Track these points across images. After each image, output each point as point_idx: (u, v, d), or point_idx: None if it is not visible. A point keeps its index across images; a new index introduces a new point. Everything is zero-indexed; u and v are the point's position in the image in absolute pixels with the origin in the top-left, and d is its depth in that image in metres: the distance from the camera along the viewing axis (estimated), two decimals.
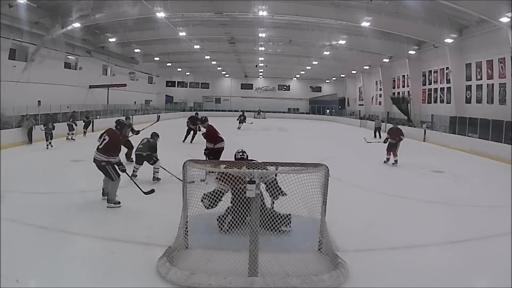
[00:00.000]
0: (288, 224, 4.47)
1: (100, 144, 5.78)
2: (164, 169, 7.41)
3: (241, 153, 5.41)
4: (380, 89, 31.12)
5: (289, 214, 4.39)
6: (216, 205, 4.37)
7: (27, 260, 3.76)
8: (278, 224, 4.22)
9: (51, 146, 12.28)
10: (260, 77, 45.04)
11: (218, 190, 4.37)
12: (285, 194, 4.13)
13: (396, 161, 10.56)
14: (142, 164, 7.61)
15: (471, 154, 13.99)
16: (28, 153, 11.27)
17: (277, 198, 4.39)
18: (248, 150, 5.80)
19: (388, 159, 10.75)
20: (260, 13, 17.64)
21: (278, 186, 4.14)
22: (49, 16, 18.02)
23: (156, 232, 4.62)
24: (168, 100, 41.87)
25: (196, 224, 4.11)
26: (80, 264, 3.76)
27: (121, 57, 28.75)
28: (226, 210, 4.49)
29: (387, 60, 27.52)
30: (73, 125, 15.06)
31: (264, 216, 3.87)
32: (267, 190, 4.20)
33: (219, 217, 4.56)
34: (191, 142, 14.39)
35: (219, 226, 4.54)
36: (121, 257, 3.97)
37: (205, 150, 8.14)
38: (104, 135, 5.91)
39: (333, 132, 24.94)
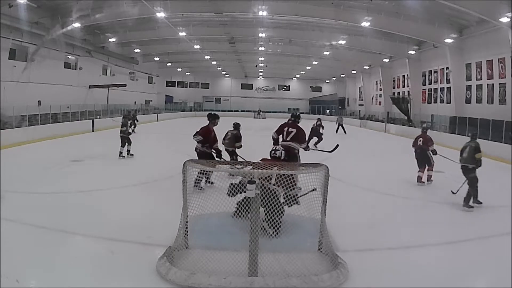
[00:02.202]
0: (276, 230, 4.33)
1: (287, 136, 6.89)
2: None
3: (273, 152, 5.27)
4: (380, 89, 31.13)
5: (280, 223, 4.35)
6: (235, 195, 4.39)
7: (27, 260, 3.76)
8: (269, 224, 4.23)
9: (131, 154, 10.97)
10: (260, 77, 45.04)
11: (242, 182, 4.37)
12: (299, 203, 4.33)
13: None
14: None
15: None
16: (29, 153, 11.27)
17: (291, 206, 4.41)
18: (248, 149, 5.82)
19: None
20: (260, 13, 17.63)
21: (297, 198, 4.28)
22: (49, 16, 18.01)
23: (156, 232, 4.62)
24: (168, 100, 41.87)
25: (196, 224, 4.11)
26: (80, 264, 3.76)
27: (121, 57, 28.75)
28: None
29: (387, 60, 27.53)
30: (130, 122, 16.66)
31: (271, 209, 3.93)
32: (284, 198, 4.32)
33: (239, 202, 4.42)
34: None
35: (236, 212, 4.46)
36: (121, 257, 3.97)
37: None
38: (288, 128, 6.98)
39: (333, 132, 24.91)
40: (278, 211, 4.23)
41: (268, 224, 4.27)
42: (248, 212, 3.75)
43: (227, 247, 3.79)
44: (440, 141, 17.22)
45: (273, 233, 4.33)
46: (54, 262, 3.76)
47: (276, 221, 4.26)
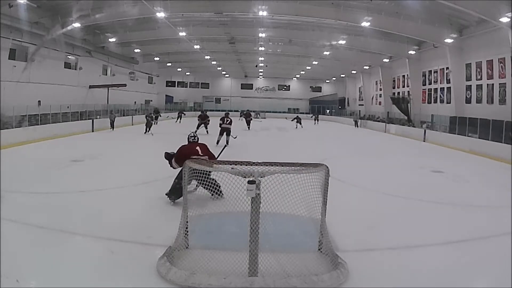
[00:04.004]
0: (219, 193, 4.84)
1: None
2: None
3: (193, 137, 6.23)
4: (380, 89, 31.14)
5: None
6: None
7: (27, 260, 3.76)
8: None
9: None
10: (260, 77, 45.06)
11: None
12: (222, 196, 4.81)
13: None
14: None
15: (471, 154, 13.99)
16: (29, 153, 11.27)
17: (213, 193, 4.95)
18: (248, 150, 5.81)
19: None
20: (260, 13, 17.65)
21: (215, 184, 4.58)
22: (49, 16, 18.02)
23: (156, 232, 4.62)
24: (168, 100, 41.89)
25: (196, 224, 4.11)
26: (80, 264, 3.76)
27: (121, 57, 28.75)
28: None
29: (387, 60, 27.53)
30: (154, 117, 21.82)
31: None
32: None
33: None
34: None
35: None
36: (121, 257, 3.97)
37: None
38: None
39: (333, 132, 24.95)
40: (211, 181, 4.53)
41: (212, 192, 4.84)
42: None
43: (227, 247, 3.79)
44: (440, 141, 17.31)
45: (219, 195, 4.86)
46: (54, 262, 3.76)
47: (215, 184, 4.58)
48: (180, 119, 28.79)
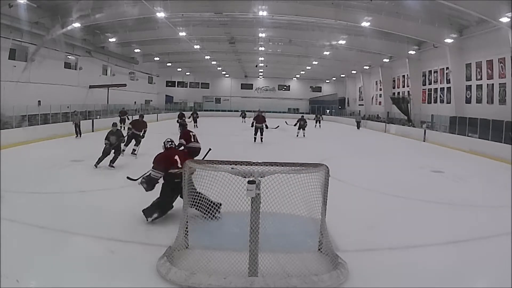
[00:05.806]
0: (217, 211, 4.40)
1: None
2: None
3: (170, 143, 5.62)
4: (380, 89, 31.14)
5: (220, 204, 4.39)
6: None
7: (27, 260, 3.76)
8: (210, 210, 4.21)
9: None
10: (260, 77, 45.04)
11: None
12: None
13: None
14: None
15: (471, 154, 13.99)
16: (29, 153, 11.27)
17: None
18: (248, 150, 5.79)
19: None
20: (260, 13, 17.63)
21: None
22: (49, 16, 18.01)
23: (156, 232, 4.62)
24: (168, 100, 41.89)
25: (196, 224, 4.11)
26: (80, 264, 3.76)
27: (121, 57, 28.75)
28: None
29: (387, 60, 27.53)
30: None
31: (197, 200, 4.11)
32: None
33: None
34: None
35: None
36: (121, 257, 3.97)
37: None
38: None
39: (333, 132, 24.94)
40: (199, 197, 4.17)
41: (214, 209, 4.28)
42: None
43: (227, 247, 3.80)
44: (440, 141, 17.31)
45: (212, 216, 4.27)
46: (54, 262, 3.76)
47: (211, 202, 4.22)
48: (195, 122, 22.68)
